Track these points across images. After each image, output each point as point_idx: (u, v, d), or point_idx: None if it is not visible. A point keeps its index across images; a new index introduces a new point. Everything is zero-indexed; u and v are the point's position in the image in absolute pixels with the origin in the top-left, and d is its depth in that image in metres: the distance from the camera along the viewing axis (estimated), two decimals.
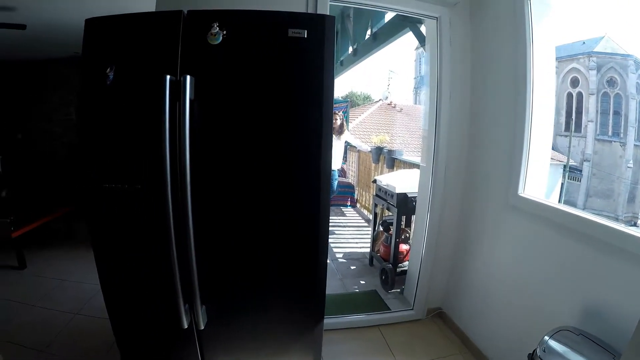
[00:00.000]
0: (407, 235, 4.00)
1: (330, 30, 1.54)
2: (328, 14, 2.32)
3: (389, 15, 4.32)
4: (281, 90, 1.55)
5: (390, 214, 3.94)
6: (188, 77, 1.42)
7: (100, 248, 1.73)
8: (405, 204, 3.65)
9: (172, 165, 1.46)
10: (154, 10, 2.24)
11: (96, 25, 1.59)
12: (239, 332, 1.82)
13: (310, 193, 1.62)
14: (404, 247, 3.83)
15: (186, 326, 1.66)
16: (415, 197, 3.41)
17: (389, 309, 3.29)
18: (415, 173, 3.72)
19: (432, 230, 2.93)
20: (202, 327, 1.69)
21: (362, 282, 4.06)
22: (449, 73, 2.71)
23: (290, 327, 1.86)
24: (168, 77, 1.41)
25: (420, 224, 3.09)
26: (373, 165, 7.39)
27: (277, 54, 1.52)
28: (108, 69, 1.52)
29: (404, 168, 5.79)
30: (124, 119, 1.57)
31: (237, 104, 1.54)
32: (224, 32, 1.47)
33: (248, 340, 1.85)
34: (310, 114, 1.54)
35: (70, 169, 6.47)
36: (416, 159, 6.15)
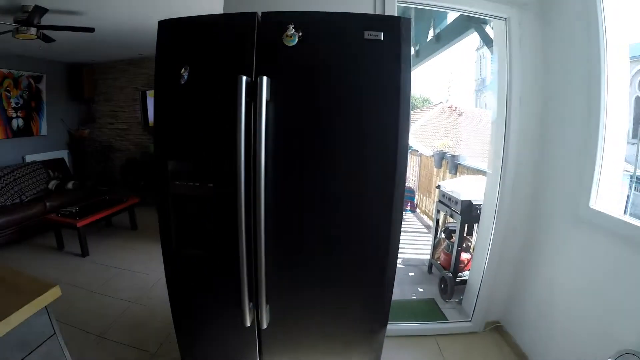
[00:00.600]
0: (469, 244, 3.89)
1: (406, 32, 1.49)
2: (396, 15, 2.28)
3: (451, 17, 4.21)
4: (357, 94, 1.51)
5: (453, 221, 3.84)
6: (265, 78, 1.42)
7: (168, 242, 1.74)
8: (469, 212, 3.54)
9: (245, 165, 1.46)
10: (221, 12, 2.27)
11: (169, 27, 1.60)
12: (299, 332, 1.81)
13: (383, 196, 1.57)
14: (464, 256, 3.72)
15: (249, 324, 1.67)
16: (480, 205, 3.30)
17: (446, 319, 3.20)
18: (480, 179, 3.60)
19: (496, 241, 2.81)
20: (265, 327, 1.69)
21: (420, 289, 3.98)
22: (519, 76, 2.59)
23: (351, 330, 1.82)
24: (244, 77, 1.40)
25: (484, 233, 2.97)
26: (435, 170, 7.23)
27: (353, 57, 1.48)
28: (183, 69, 1.54)
29: (467, 174, 5.64)
30: (198, 118, 1.58)
31: (312, 106, 1.52)
32: (300, 34, 1.46)
33: (308, 341, 1.83)
34: (387, 119, 1.50)
35: (135, 163, 6.73)
36: (480, 164, 5.97)
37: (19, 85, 6.30)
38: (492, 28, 2.97)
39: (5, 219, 4.87)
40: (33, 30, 3.72)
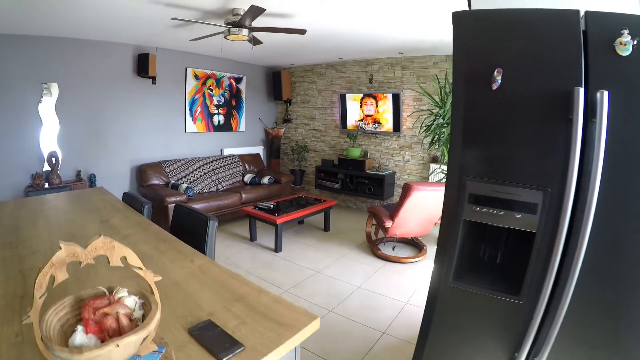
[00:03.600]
0: None
1: None
2: None
3: None
4: None
5: None
6: (605, 93, 1.15)
7: (442, 269, 1.59)
8: None
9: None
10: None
11: (468, 20, 1.44)
12: None
13: None
14: None
15: None
16: None
17: None
18: None
19: None
20: None
21: None
22: None
23: None
24: (581, 90, 1.15)
25: None
26: None
27: None
28: (496, 72, 1.32)
29: None
30: (514, 131, 1.36)
31: None
32: (634, 42, 1.14)
33: None
34: None
35: (330, 165, 6.89)
36: None
37: (221, 85, 6.88)
38: None
39: (203, 205, 5.28)
40: (245, 32, 3.87)
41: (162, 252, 1.89)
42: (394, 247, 4.73)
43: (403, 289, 3.67)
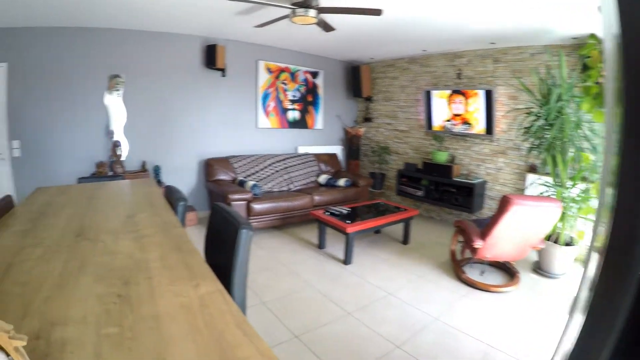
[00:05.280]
0: None
1: None
2: None
3: None
4: None
5: None
6: None
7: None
8: None
9: None
10: None
11: None
12: None
13: None
14: None
15: None
16: None
17: None
18: None
19: None
20: None
21: None
22: None
23: None
24: None
25: None
26: None
27: None
28: None
29: None
30: None
31: None
32: None
33: None
34: None
35: (414, 169, 6.23)
36: None
37: (296, 79, 6.54)
38: None
39: (272, 205, 4.96)
40: (312, 12, 3.47)
41: (167, 267, 1.44)
42: (483, 271, 3.94)
43: (490, 327, 2.91)
